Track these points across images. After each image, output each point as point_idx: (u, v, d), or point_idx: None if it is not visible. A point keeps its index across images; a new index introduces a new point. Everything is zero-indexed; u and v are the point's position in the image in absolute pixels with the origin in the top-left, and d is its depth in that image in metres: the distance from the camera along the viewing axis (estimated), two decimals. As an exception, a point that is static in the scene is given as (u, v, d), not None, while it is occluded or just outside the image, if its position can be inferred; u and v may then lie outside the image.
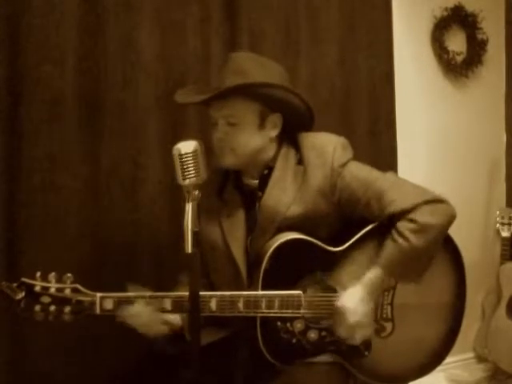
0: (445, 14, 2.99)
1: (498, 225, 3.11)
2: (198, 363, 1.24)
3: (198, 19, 2.22)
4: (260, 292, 1.51)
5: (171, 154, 1.29)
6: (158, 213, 2.15)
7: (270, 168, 1.65)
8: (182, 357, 1.42)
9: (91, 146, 2.04)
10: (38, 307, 1.43)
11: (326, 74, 2.55)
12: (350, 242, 1.60)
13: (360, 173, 1.62)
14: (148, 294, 1.50)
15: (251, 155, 1.62)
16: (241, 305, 1.49)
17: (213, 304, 1.49)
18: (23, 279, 1.43)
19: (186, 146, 1.28)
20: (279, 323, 1.54)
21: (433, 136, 3.03)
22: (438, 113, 3.04)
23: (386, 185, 1.60)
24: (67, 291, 1.45)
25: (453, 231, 1.66)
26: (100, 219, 2.05)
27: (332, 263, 1.57)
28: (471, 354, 3.17)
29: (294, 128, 1.69)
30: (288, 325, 1.54)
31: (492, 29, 3.15)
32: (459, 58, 3.05)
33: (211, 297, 1.49)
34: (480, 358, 3.14)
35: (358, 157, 1.68)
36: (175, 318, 1.54)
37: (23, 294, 1.42)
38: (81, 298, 1.45)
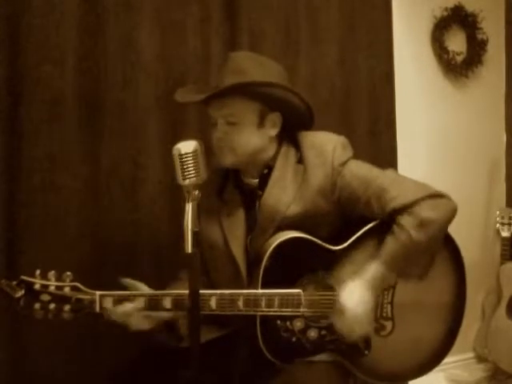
0: (445, 14, 3.00)
1: (497, 225, 3.11)
2: (197, 361, 1.24)
3: (198, 19, 2.22)
4: (260, 290, 1.51)
5: (171, 153, 1.29)
6: (158, 213, 2.15)
7: (270, 167, 1.65)
8: (181, 355, 1.42)
9: (91, 146, 2.04)
10: (37, 305, 1.43)
11: (326, 74, 2.55)
12: (350, 240, 1.60)
13: (360, 171, 1.62)
14: (148, 292, 1.50)
15: (251, 154, 1.62)
16: (241, 303, 1.49)
17: (213, 302, 1.49)
18: (23, 277, 1.43)
19: (186, 146, 1.28)
20: (279, 322, 1.54)
21: (433, 136, 3.03)
22: (438, 113, 3.05)
23: (387, 182, 1.60)
24: (67, 289, 1.45)
25: (453, 231, 1.66)
26: (100, 219, 2.05)
27: (332, 262, 1.57)
28: (471, 354, 3.17)
29: (293, 127, 1.69)
30: (288, 323, 1.55)
31: (492, 29, 3.15)
32: (459, 58, 3.05)
33: (211, 295, 1.49)
34: (480, 358, 3.14)
35: (358, 157, 1.68)
36: (158, 314, 1.53)
37: (23, 291, 1.42)
38: (80, 296, 1.46)
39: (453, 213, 1.60)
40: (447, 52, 3.01)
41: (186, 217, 1.26)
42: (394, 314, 1.62)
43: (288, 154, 1.66)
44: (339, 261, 1.58)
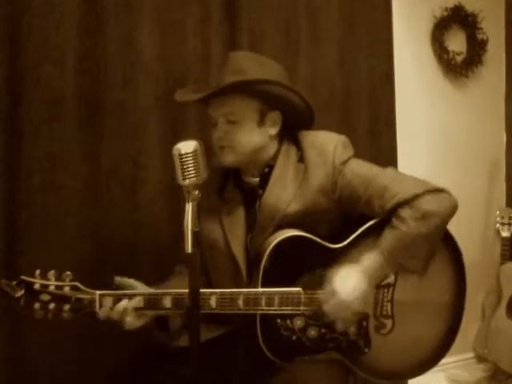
0: (445, 13, 3.00)
1: (498, 225, 3.11)
2: (197, 360, 1.24)
3: (198, 19, 2.22)
4: (260, 289, 1.52)
5: (171, 154, 1.29)
6: (158, 213, 2.15)
7: (271, 166, 1.65)
8: (181, 354, 1.42)
9: (91, 146, 2.04)
10: (37, 305, 1.43)
11: (326, 74, 2.55)
12: (350, 238, 1.60)
13: (361, 170, 1.62)
14: (147, 291, 1.50)
15: (251, 153, 1.62)
16: (241, 302, 1.49)
17: (213, 301, 1.49)
18: (22, 277, 1.43)
19: (186, 146, 1.28)
20: (279, 320, 1.54)
21: (433, 136, 3.04)
22: (438, 113, 3.05)
23: (387, 180, 1.60)
24: (66, 289, 1.45)
25: (453, 231, 1.66)
26: (100, 219, 2.05)
27: (332, 260, 1.57)
28: (471, 354, 3.17)
29: (294, 126, 1.69)
30: (288, 322, 1.55)
31: (492, 29, 3.15)
32: (459, 58, 3.06)
33: (211, 294, 1.49)
34: (480, 358, 3.14)
35: (358, 157, 1.68)
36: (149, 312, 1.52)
37: (22, 291, 1.42)
38: (80, 295, 1.45)
39: (453, 208, 1.60)
40: (447, 52, 3.01)
41: (186, 217, 1.26)
42: (394, 313, 1.62)
43: (289, 153, 1.66)
44: (339, 259, 1.57)
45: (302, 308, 1.53)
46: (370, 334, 1.60)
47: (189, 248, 1.24)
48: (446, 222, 1.61)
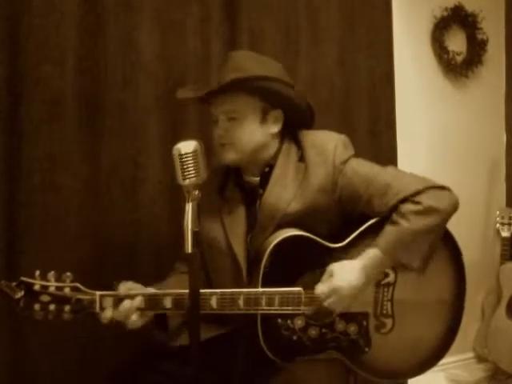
0: (445, 13, 3.00)
1: (498, 225, 3.12)
2: (197, 360, 1.24)
3: (198, 19, 2.22)
4: (260, 289, 1.52)
5: (171, 154, 1.29)
6: (158, 213, 2.15)
7: (271, 166, 1.66)
8: (181, 353, 1.42)
9: (91, 146, 2.04)
10: (37, 306, 1.42)
11: (326, 74, 2.55)
12: (350, 238, 1.60)
13: (361, 169, 1.62)
14: (148, 292, 1.50)
15: (252, 151, 1.62)
16: (241, 302, 1.49)
17: (213, 302, 1.49)
18: (22, 278, 1.43)
19: (186, 146, 1.28)
20: (280, 320, 1.54)
21: (433, 136, 3.04)
22: (438, 113, 3.05)
23: (388, 179, 1.60)
24: (67, 290, 1.44)
25: (453, 231, 1.66)
26: (100, 219, 2.04)
27: (332, 259, 1.57)
28: (471, 354, 3.17)
29: (295, 126, 1.70)
30: (289, 322, 1.55)
31: (492, 29, 3.15)
32: (459, 58, 3.06)
33: (211, 294, 1.49)
34: (480, 358, 3.14)
35: (358, 157, 1.68)
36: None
37: (22, 292, 1.41)
38: (80, 296, 1.45)
39: (454, 206, 1.60)
40: (447, 52, 3.01)
41: (186, 217, 1.26)
42: (394, 312, 1.62)
43: (289, 153, 1.66)
44: (339, 258, 1.58)
45: (302, 308, 1.53)
46: (371, 333, 1.60)
47: (189, 248, 1.24)
48: (447, 219, 1.61)
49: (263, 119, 1.62)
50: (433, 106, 3.03)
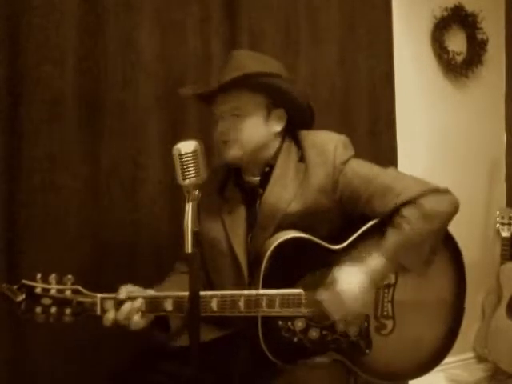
0: (445, 13, 3.00)
1: (497, 225, 3.12)
2: (197, 361, 1.24)
3: (198, 19, 2.22)
4: (261, 291, 1.51)
5: (171, 153, 1.29)
6: (158, 213, 2.15)
7: (271, 165, 1.65)
8: (181, 354, 1.42)
9: (91, 146, 2.04)
10: (38, 309, 1.43)
11: (326, 74, 2.55)
12: (350, 239, 1.60)
13: (362, 170, 1.62)
14: (148, 294, 1.50)
15: (254, 149, 1.62)
16: (242, 304, 1.49)
17: (214, 304, 1.48)
18: (24, 281, 1.43)
19: (186, 146, 1.28)
20: (280, 322, 1.54)
21: (433, 136, 3.04)
22: (438, 113, 3.05)
23: (389, 180, 1.60)
24: (68, 292, 1.44)
25: (453, 231, 1.66)
26: (100, 219, 2.04)
27: (332, 261, 1.57)
28: (471, 354, 3.17)
29: (295, 126, 1.70)
30: (289, 324, 1.54)
31: (492, 29, 3.15)
32: (459, 58, 3.06)
33: (212, 297, 1.49)
34: (480, 358, 3.15)
35: (358, 157, 1.68)
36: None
37: (24, 295, 1.42)
38: (81, 299, 1.45)
39: (455, 208, 1.60)
40: (447, 52, 3.01)
41: (186, 217, 1.26)
42: (394, 313, 1.62)
43: (290, 153, 1.66)
44: (340, 260, 1.57)
45: (303, 309, 1.53)
46: (371, 334, 1.60)
47: (189, 248, 1.24)
48: (448, 222, 1.61)
49: (266, 117, 1.63)
50: (433, 106, 3.03)
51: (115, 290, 1.50)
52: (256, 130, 1.62)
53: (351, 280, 1.51)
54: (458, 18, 3.04)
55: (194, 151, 1.28)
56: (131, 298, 1.47)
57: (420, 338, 1.64)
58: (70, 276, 1.45)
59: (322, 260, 1.57)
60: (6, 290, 1.41)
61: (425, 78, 3.00)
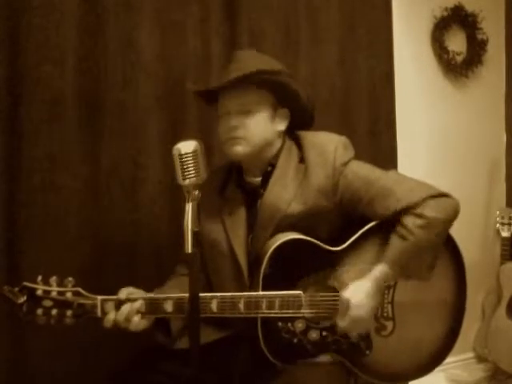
0: (445, 13, 3.00)
1: (498, 225, 3.11)
2: (197, 362, 1.24)
3: (198, 19, 2.22)
4: (260, 292, 1.51)
5: (171, 153, 1.29)
6: (158, 213, 2.14)
7: (273, 165, 1.65)
8: (181, 355, 1.42)
9: (91, 146, 2.04)
10: (39, 311, 1.43)
11: (326, 74, 2.55)
12: (350, 241, 1.60)
13: (362, 171, 1.62)
14: (149, 296, 1.50)
15: (261, 146, 1.62)
16: (241, 305, 1.49)
17: (213, 305, 1.49)
18: (25, 283, 1.44)
19: (186, 146, 1.29)
20: (280, 323, 1.54)
21: (433, 136, 3.04)
22: (438, 113, 3.05)
23: (390, 183, 1.60)
24: (68, 294, 1.45)
25: (453, 231, 1.66)
26: (100, 219, 2.04)
27: (332, 262, 1.57)
28: (471, 354, 3.17)
29: (295, 126, 1.70)
30: (289, 325, 1.54)
31: (492, 29, 3.15)
32: (459, 58, 3.06)
33: (212, 298, 1.49)
34: (480, 358, 3.15)
35: (358, 157, 1.68)
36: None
37: (25, 297, 1.43)
38: (82, 301, 1.46)
39: (456, 213, 1.60)
40: (447, 52, 3.01)
41: (186, 217, 1.26)
42: (394, 314, 1.62)
43: (291, 153, 1.66)
44: (339, 262, 1.58)
45: (302, 311, 1.53)
46: (371, 335, 1.60)
47: (189, 248, 1.24)
48: (450, 227, 1.61)
49: (273, 115, 1.63)
50: (433, 106, 3.03)
51: (115, 290, 1.50)
52: (263, 127, 1.62)
53: (357, 294, 1.51)
54: (458, 18, 3.04)
55: (194, 151, 1.28)
56: (131, 300, 1.47)
57: (420, 339, 1.64)
58: (70, 278, 1.46)
59: (321, 261, 1.57)
60: (7, 292, 1.41)
61: (425, 78, 3.00)
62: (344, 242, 1.60)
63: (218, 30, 2.27)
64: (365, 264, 1.57)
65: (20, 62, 1.91)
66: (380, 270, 1.54)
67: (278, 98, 1.64)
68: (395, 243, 1.55)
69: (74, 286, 1.46)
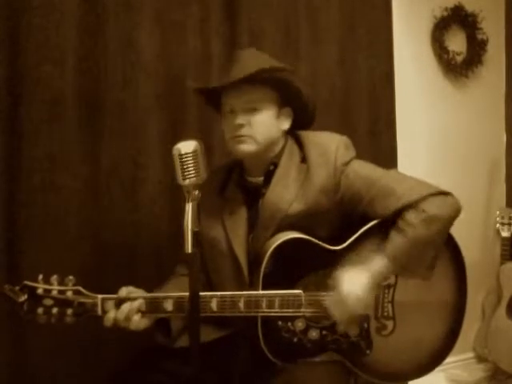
0: (445, 13, 3.00)
1: (497, 225, 3.11)
2: (197, 361, 1.24)
3: (197, 19, 2.22)
4: (260, 292, 1.51)
5: (171, 154, 1.29)
6: (158, 213, 2.14)
7: (275, 164, 1.65)
8: (181, 354, 1.42)
9: (91, 146, 2.04)
10: (40, 310, 1.44)
11: (325, 74, 2.55)
12: (350, 240, 1.60)
13: (363, 171, 1.62)
14: (149, 295, 1.50)
15: (267, 145, 1.62)
16: (241, 305, 1.49)
17: (213, 304, 1.49)
18: (26, 282, 1.44)
19: (186, 146, 1.28)
20: (280, 322, 1.54)
21: (433, 136, 3.04)
22: (438, 113, 3.05)
23: (391, 182, 1.60)
24: (69, 293, 1.45)
25: (453, 231, 1.66)
26: (100, 219, 2.04)
27: (332, 262, 1.57)
28: (471, 354, 3.17)
29: (295, 126, 1.70)
30: (289, 324, 1.55)
31: (492, 29, 3.15)
32: (459, 58, 3.06)
33: (212, 297, 1.49)
34: (480, 358, 3.14)
35: (358, 157, 1.68)
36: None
37: (26, 296, 1.43)
38: (82, 299, 1.46)
39: (457, 212, 1.60)
40: (447, 52, 3.01)
41: (186, 217, 1.26)
42: (395, 314, 1.62)
43: (292, 153, 1.67)
44: (339, 261, 1.57)
45: (302, 310, 1.53)
46: (372, 335, 1.60)
47: (189, 248, 1.24)
48: (450, 225, 1.61)
49: (278, 114, 1.64)
50: (433, 106, 3.03)
51: (115, 290, 1.50)
52: (269, 125, 1.62)
53: (354, 282, 1.51)
54: (458, 18, 3.04)
55: (194, 151, 1.28)
56: (131, 298, 1.47)
57: (420, 339, 1.64)
58: (71, 277, 1.46)
59: (321, 261, 1.57)
60: (8, 291, 1.41)
61: (425, 78, 3.00)
62: (344, 242, 1.60)
63: (218, 30, 2.27)
64: (364, 263, 1.56)
65: (20, 61, 1.91)
66: (378, 261, 1.53)
67: (281, 96, 1.64)
68: (395, 237, 1.55)
69: (74, 285, 1.46)
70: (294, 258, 1.54)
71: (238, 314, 1.50)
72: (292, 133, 1.70)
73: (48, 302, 1.44)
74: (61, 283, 1.45)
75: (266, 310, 1.51)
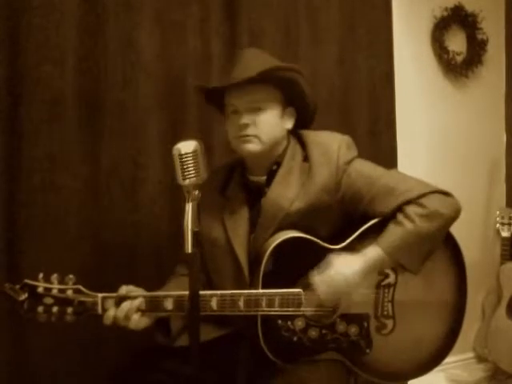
0: (445, 13, 3.00)
1: (497, 225, 3.11)
2: (197, 361, 1.24)
3: (198, 19, 2.22)
4: (260, 290, 1.52)
5: (171, 153, 1.29)
6: (158, 213, 2.14)
7: (278, 164, 1.66)
8: (181, 353, 1.42)
9: (91, 146, 2.04)
10: (40, 308, 1.44)
11: (325, 74, 2.55)
12: (350, 239, 1.60)
13: (365, 170, 1.63)
14: (149, 293, 1.50)
15: (271, 144, 1.63)
16: (241, 303, 1.49)
17: (213, 303, 1.49)
18: (26, 281, 1.44)
19: (186, 146, 1.29)
20: (280, 321, 1.54)
21: (433, 136, 3.04)
22: (438, 113, 3.05)
23: (392, 181, 1.60)
24: (69, 292, 1.45)
25: (453, 231, 1.66)
26: (100, 219, 2.04)
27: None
28: (471, 354, 3.17)
29: (297, 126, 1.70)
30: (289, 323, 1.55)
31: (492, 29, 3.15)
32: (459, 58, 3.06)
33: (212, 296, 1.49)
34: (480, 358, 3.15)
35: (358, 157, 1.68)
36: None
37: (26, 295, 1.43)
38: (83, 298, 1.46)
39: (457, 212, 1.60)
40: (447, 52, 3.01)
41: (186, 217, 1.26)
42: (395, 313, 1.62)
43: (295, 152, 1.67)
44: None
45: (302, 309, 1.53)
46: (371, 334, 1.60)
47: (189, 248, 1.25)
48: (449, 225, 1.61)
49: (282, 113, 1.64)
50: (433, 106, 3.03)
51: (115, 290, 1.51)
52: (273, 125, 1.62)
53: (345, 264, 1.52)
54: (458, 18, 3.04)
55: (194, 151, 1.28)
56: (131, 297, 1.47)
57: (420, 338, 1.64)
58: (71, 276, 1.46)
59: (321, 259, 1.56)
60: (8, 290, 1.42)
61: (425, 78, 3.00)
62: (344, 241, 1.60)
63: (218, 29, 2.27)
64: None
65: (20, 61, 1.91)
66: (373, 251, 1.54)
67: (285, 95, 1.64)
68: (393, 227, 1.56)
69: (74, 284, 1.46)
70: (294, 257, 1.54)
71: (237, 313, 1.50)
72: (294, 132, 1.70)
73: (48, 300, 1.44)
74: (61, 282, 1.45)
75: (265, 309, 1.51)
